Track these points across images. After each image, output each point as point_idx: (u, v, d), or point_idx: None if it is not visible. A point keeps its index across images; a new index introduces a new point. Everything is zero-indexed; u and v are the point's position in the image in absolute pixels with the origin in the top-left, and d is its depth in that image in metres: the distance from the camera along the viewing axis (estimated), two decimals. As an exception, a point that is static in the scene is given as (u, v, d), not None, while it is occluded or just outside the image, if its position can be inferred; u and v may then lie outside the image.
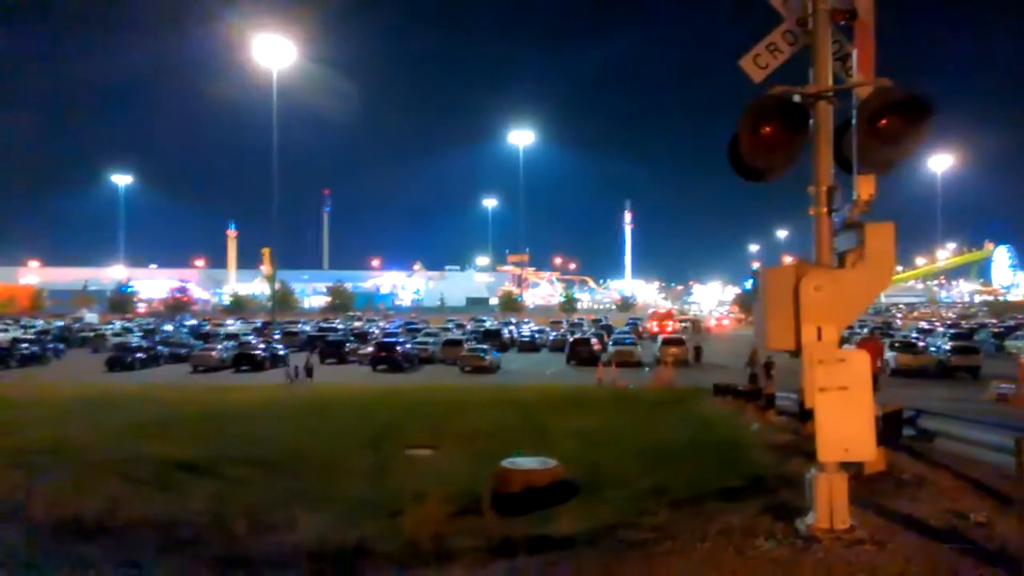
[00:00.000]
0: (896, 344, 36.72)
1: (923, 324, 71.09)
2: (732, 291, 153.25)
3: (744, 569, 5.25)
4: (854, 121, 6.07)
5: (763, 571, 5.21)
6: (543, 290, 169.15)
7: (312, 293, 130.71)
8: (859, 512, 6.14)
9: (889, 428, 9.71)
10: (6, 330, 56.08)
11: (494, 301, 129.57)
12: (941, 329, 57.90)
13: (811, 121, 6.24)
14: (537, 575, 5.74)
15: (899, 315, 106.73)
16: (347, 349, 43.95)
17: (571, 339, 47.42)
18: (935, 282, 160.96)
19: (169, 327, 68.87)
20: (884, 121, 5.81)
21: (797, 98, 6.23)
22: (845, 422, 5.75)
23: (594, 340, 45.44)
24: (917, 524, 6.24)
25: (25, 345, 43.82)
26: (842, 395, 5.72)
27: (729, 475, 9.47)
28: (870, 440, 5.87)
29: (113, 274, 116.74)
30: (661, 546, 5.97)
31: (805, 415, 9.48)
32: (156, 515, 8.77)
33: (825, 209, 6.23)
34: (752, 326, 8.38)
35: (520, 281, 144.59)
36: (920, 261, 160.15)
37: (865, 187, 6.06)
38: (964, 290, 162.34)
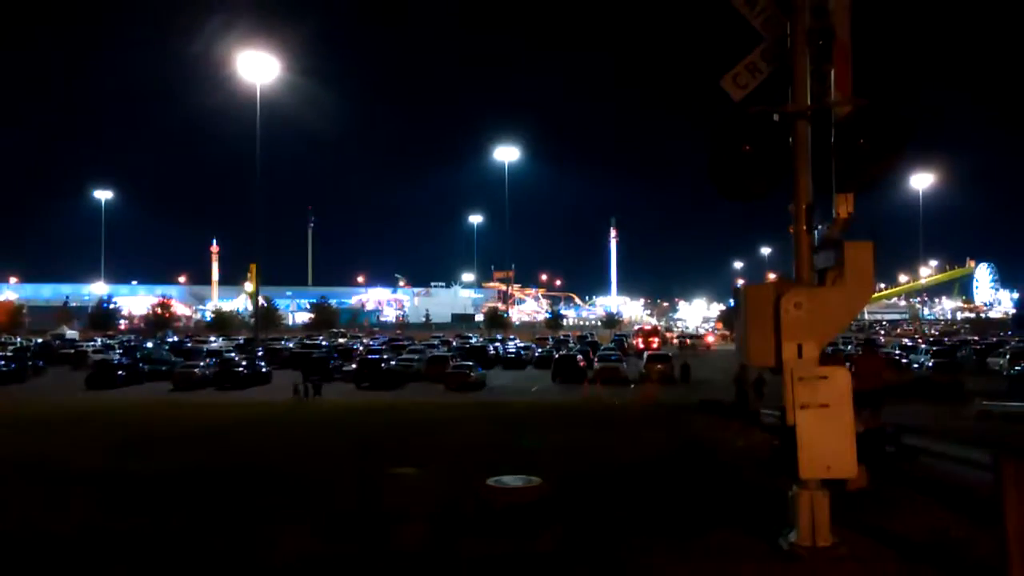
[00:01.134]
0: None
1: (906, 341, 71.61)
2: (717, 308, 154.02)
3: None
4: (833, 140, 6.14)
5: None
6: (529, 307, 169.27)
7: (296, 310, 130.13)
8: (841, 529, 6.14)
9: (871, 445, 9.74)
10: (-16, 347, 55.35)
11: (479, 318, 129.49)
12: (924, 346, 58.35)
13: (790, 140, 6.30)
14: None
15: (882, 332, 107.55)
16: (331, 366, 43.71)
17: (557, 356, 47.41)
18: (918, 299, 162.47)
19: (150, 344, 68.24)
20: (862, 140, 5.87)
21: (776, 117, 6.29)
22: (826, 439, 5.76)
23: (580, 357, 45.47)
24: (898, 541, 6.25)
25: (3, 362, 43.23)
26: (823, 412, 5.74)
27: (713, 492, 9.45)
28: (852, 457, 5.89)
29: (94, 290, 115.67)
30: (642, 564, 5.94)
31: (786, 433, 9.50)
32: (132, 531, 8.64)
33: (804, 227, 6.28)
34: (733, 343, 8.41)
35: (506, 297, 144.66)
36: (903, 278, 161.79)
37: (844, 205, 6.12)
38: (947, 307, 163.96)
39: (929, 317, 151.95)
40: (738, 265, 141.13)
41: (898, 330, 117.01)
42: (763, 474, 10.55)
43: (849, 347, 55.25)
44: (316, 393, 31.51)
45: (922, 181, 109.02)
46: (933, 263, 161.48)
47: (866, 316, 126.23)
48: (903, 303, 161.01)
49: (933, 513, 7.29)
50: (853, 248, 6.02)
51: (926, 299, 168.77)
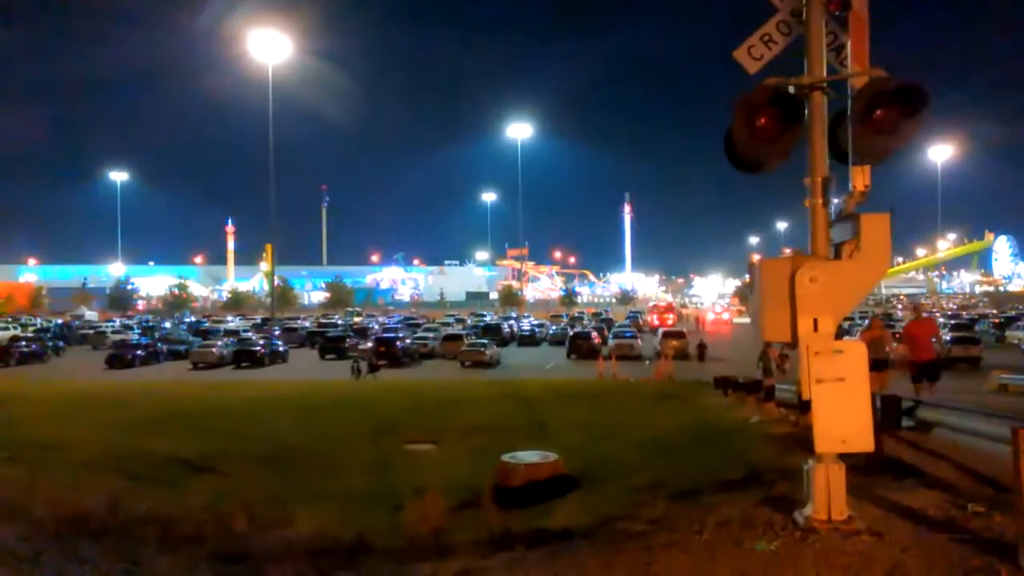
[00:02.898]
0: (896, 335, 36.71)
1: (924, 315, 71.05)
2: (733, 283, 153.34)
3: (743, 560, 5.27)
4: (849, 112, 6.06)
5: (762, 562, 5.23)
6: (543, 284, 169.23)
7: (312, 289, 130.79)
8: (857, 503, 6.15)
9: (887, 419, 9.72)
10: (5, 328, 56.10)
11: (494, 296, 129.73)
12: (942, 320, 57.94)
13: (806, 112, 6.23)
14: (537, 568, 5.75)
15: (900, 306, 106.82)
16: (347, 345, 43.99)
17: (571, 333, 47.45)
18: (936, 272, 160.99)
19: (168, 324, 68.90)
20: (879, 111, 5.80)
21: (792, 89, 6.22)
22: (843, 413, 5.75)
23: (594, 334, 45.49)
24: (915, 514, 6.25)
25: (24, 343, 43.83)
26: (839, 386, 5.73)
27: (728, 467, 9.48)
28: (868, 431, 5.87)
29: (112, 271, 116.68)
30: (659, 538, 5.98)
31: (804, 407, 9.47)
32: (156, 511, 8.79)
33: (820, 200, 6.22)
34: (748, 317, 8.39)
35: (520, 275, 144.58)
36: (921, 251, 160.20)
37: (860, 178, 6.05)
38: (965, 280, 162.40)
39: (947, 291, 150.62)
40: (753, 240, 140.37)
41: (877, 319, 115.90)
42: (778, 449, 10.58)
43: (866, 322, 54.94)
44: (372, 372, 31.73)
45: (940, 153, 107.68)
46: (951, 236, 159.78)
47: (883, 290, 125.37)
48: (920, 277, 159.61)
49: (950, 486, 7.27)
50: (870, 220, 5.96)
51: (944, 272, 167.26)
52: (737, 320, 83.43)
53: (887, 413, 9.80)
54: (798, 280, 5.85)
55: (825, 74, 6.28)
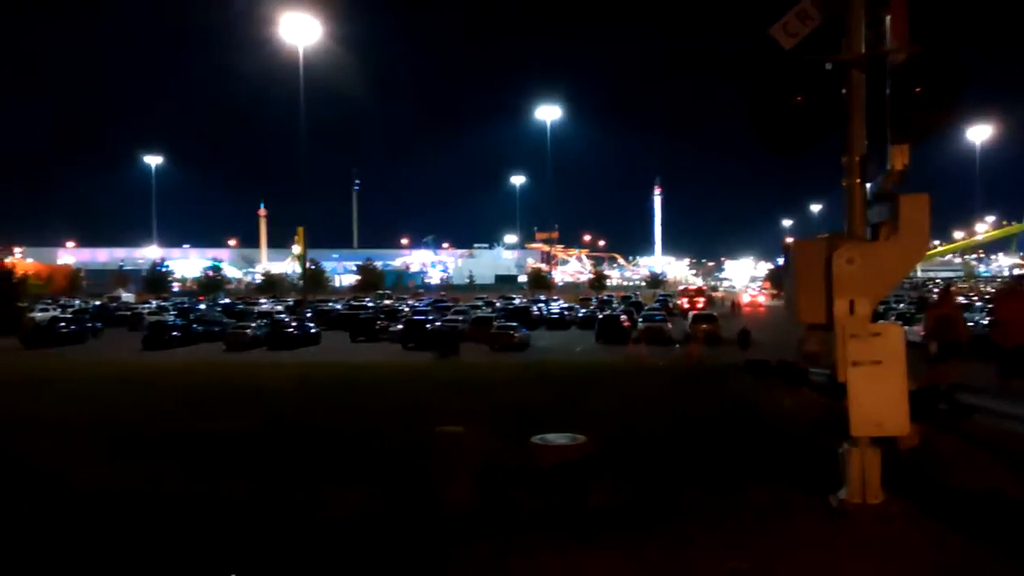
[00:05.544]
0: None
1: (960, 299, 69.73)
2: (765, 267, 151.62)
3: (777, 543, 5.24)
4: (888, 89, 5.93)
5: (796, 545, 5.19)
6: (572, 267, 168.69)
7: (343, 272, 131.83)
8: (892, 487, 6.08)
9: (924, 403, 9.57)
10: (45, 309, 57.30)
11: (523, 279, 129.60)
12: (979, 304, 56.78)
13: (843, 90, 6.10)
14: (568, 550, 5.77)
15: (936, 290, 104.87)
16: (377, 327, 44.31)
17: (600, 316, 47.32)
18: (973, 256, 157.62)
19: (203, 306, 69.93)
20: (919, 88, 5.67)
21: (828, 66, 6.10)
22: (878, 397, 5.68)
23: (623, 317, 45.33)
24: (951, 499, 6.16)
25: (64, 324, 44.80)
26: (875, 370, 5.65)
27: (760, 450, 9.41)
28: (904, 415, 5.80)
29: (148, 254, 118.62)
30: (691, 521, 5.96)
31: (838, 390, 9.34)
32: (192, 490, 8.95)
33: (858, 180, 6.11)
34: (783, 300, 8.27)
35: (549, 258, 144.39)
36: (958, 234, 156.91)
37: (899, 157, 5.93)
38: (1003, 264, 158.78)
39: (985, 274, 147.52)
40: (786, 223, 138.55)
41: (953, 288, 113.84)
42: (811, 432, 10.47)
43: (902, 305, 54.11)
44: (453, 353, 32.82)
45: (979, 133, 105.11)
46: (990, 218, 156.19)
47: (919, 273, 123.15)
48: (958, 260, 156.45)
49: (987, 471, 7.16)
50: (908, 201, 5.85)
51: (982, 256, 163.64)
52: (770, 304, 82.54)
53: (923, 397, 9.65)
54: (835, 262, 5.76)
55: (863, 51, 6.14)
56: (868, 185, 6.20)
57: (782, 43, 6.33)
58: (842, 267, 5.76)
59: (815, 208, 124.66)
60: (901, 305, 54.57)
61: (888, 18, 6.20)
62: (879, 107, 6.09)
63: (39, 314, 49.47)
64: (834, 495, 5.95)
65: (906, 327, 9.59)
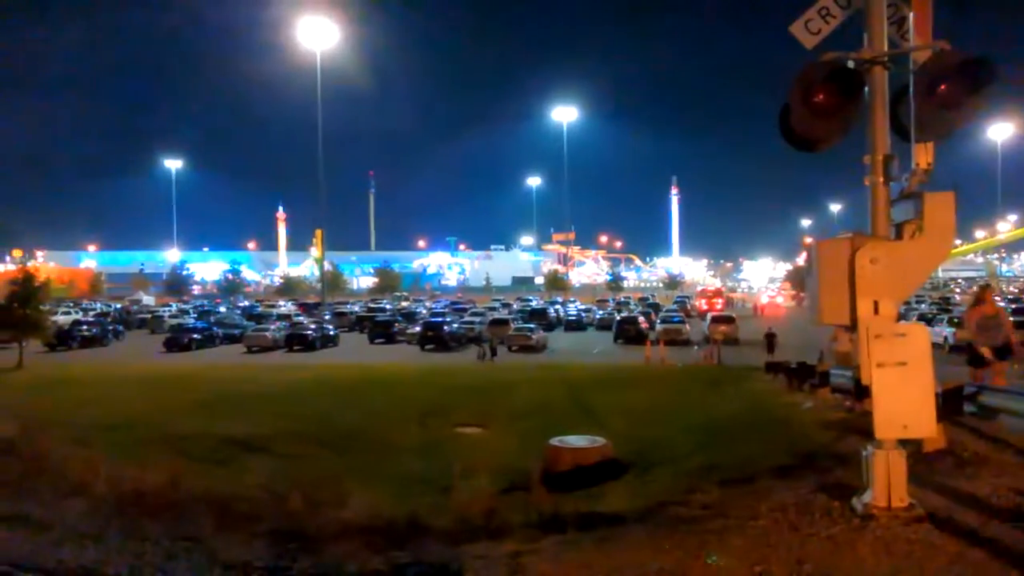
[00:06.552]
0: (955, 320, 35.82)
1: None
2: (784, 267, 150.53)
3: (800, 547, 5.18)
4: (911, 87, 5.85)
5: (820, 549, 5.13)
6: (589, 269, 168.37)
7: (360, 274, 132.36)
8: (918, 490, 6.00)
9: (949, 404, 9.44)
10: (68, 313, 57.94)
11: (539, 280, 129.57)
12: (1002, 304, 56.16)
13: (866, 88, 6.04)
14: (588, 551, 5.74)
15: (957, 290, 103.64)
16: (395, 329, 44.45)
17: (618, 317, 47.19)
18: (995, 255, 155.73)
19: (223, 308, 70.43)
20: (943, 86, 5.59)
21: (851, 64, 6.03)
22: (904, 398, 5.60)
23: (641, 318, 45.24)
24: (978, 502, 6.07)
25: (86, 327, 45.28)
26: (900, 371, 5.57)
27: (781, 453, 9.34)
28: (930, 417, 5.71)
29: (168, 257, 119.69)
30: (713, 523, 5.92)
31: (861, 392, 9.25)
32: (214, 490, 9.01)
33: (881, 179, 6.03)
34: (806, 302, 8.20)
35: (565, 260, 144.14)
36: (979, 233, 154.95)
37: (923, 155, 5.85)
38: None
39: (1007, 274, 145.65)
40: (805, 223, 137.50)
41: (974, 288, 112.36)
42: (833, 434, 10.37)
43: (923, 305, 53.57)
44: (493, 356, 33.06)
45: (1001, 131, 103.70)
46: (1012, 217, 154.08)
47: (940, 274, 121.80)
48: (979, 259, 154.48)
49: (1014, 474, 7.04)
50: (933, 199, 5.76)
51: (1004, 255, 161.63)
52: (789, 305, 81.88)
53: (949, 398, 9.52)
54: (858, 261, 5.69)
55: (886, 48, 6.07)
56: (892, 183, 6.13)
57: (803, 41, 6.26)
58: (866, 267, 5.69)
59: (834, 207, 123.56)
60: (922, 306, 53.99)
61: (911, 15, 6.13)
62: (903, 105, 6.02)
63: (61, 317, 50.00)
64: (858, 498, 5.87)
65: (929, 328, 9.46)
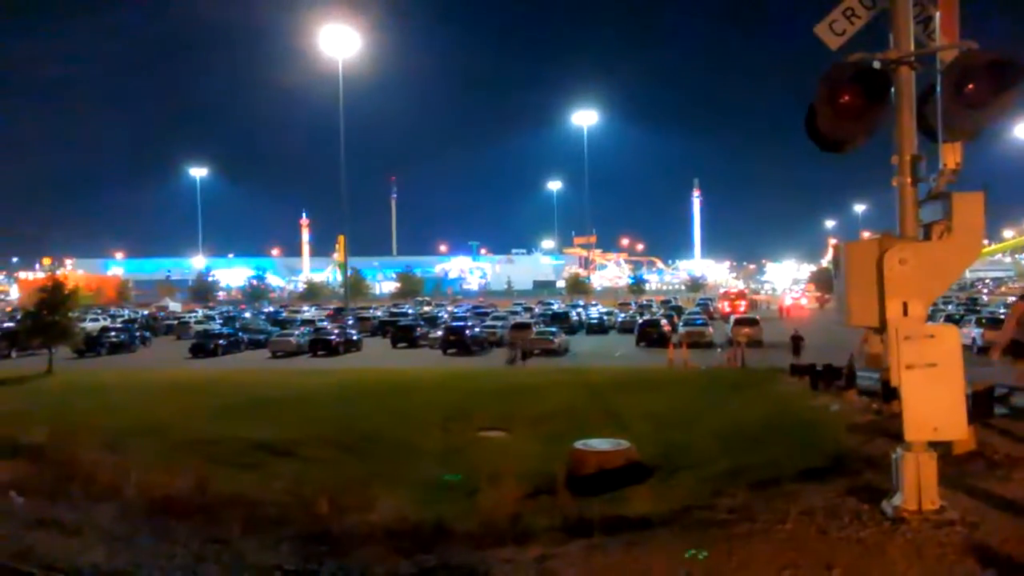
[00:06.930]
0: (983, 320, 35.33)
1: (1011, 299, 67.78)
2: (807, 269, 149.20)
3: (829, 551, 5.14)
4: (938, 87, 5.80)
5: (849, 553, 5.09)
6: (610, 272, 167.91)
7: (382, 279, 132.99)
8: (949, 493, 5.93)
9: (980, 406, 9.32)
10: (96, 319, 58.77)
11: (561, 284, 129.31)
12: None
13: (892, 88, 5.99)
14: (615, 555, 5.73)
15: (985, 290, 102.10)
16: (418, 333, 44.59)
17: (640, 321, 47.01)
18: (1022, 255, 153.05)
19: (248, 314, 71.09)
20: (971, 86, 5.54)
21: (877, 64, 5.99)
22: (934, 400, 5.54)
23: (664, 321, 44.99)
24: (1010, 505, 5.98)
25: (113, 333, 45.92)
26: (931, 372, 5.52)
27: (808, 456, 9.26)
28: (961, 418, 5.65)
29: (194, 264, 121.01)
30: (741, 527, 5.88)
31: (889, 394, 9.16)
32: (241, 494, 9.11)
33: (909, 179, 5.98)
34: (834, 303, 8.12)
35: (587, 263, 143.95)
36: (1008, 233, 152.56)
37: (951, 155, 5.80)
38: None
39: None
40: (829, 224, 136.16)
41: (1002, 288, 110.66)
42: (861, 437, 10.26)
43: (950, 307, 52.82)
44: (524, 359, 33.14)
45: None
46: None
47: (967, 274, 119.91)
48: (1008, 259, 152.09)
49: (1048, 477, 6.94)
50: (962, 199, 5.71)
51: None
52: (813, 307, 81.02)
53: (979, 400, 9.40)
54: (887, 262, 5.65)
55: (912, 47, 6.02)
56: (920, 183, 6.08)
57: (828, 42, 6.23)
58: (894, 268, 5.64)
59: (859, 208, 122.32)
60: (949, 307, 53.20)
61: (937, 14, 6.09)
62: (930, 105, 5.97)
63: (89, 324, 50.73)
64: (888, 501, 5.81)
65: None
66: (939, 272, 5.82)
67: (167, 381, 25.99)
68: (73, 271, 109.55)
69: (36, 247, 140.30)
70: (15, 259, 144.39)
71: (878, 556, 5.01)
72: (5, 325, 48.41)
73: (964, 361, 5.69)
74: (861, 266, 5.79)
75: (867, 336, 16.21)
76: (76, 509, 8.51)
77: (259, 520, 7.98)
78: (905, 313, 5.65)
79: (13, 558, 6.31)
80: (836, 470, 8.07)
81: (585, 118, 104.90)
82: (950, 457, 7.21)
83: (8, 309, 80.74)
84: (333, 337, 41.63)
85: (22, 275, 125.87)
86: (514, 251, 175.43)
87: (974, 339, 31.03)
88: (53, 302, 31.94)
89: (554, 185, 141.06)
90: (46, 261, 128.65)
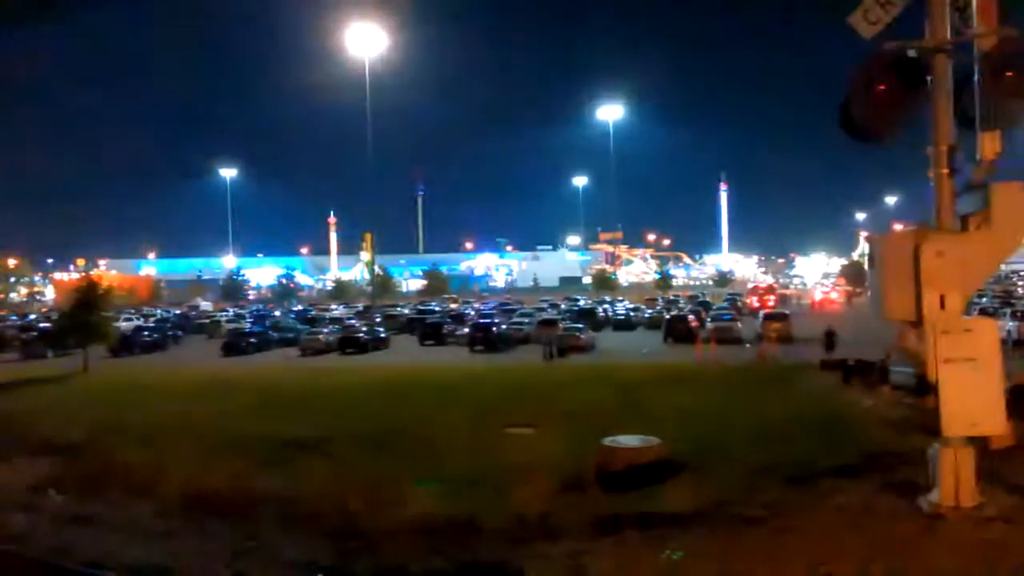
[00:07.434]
0: (1019, 313, 34.65)
1: (1049, 292, 66.31)
2: (838, 262, 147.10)
3: (867, 547, 5.07)
4: (976, 75, 5.69)
5: (887, 549, 5.02)
6: (637, 267, 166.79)
7: (409, 277, 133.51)
8: (987, 489, 5.82)
9: (1019, 400, 9.14)
10: (129, 319, 59.67)
11: (587, 280, 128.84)
12: (1070, 297, 53.97)
13: (928, 77, 5.89)
14: (647, 550, 5.71)
15: (1021, 283, 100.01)
16: (445, 331, 44.69)
17: (667, 316, 46.65)
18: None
19: (278, 313, 71.71)
20: (1010, 73, 5.43)
21: (912, 53, 5.88)
22: (972, 395, 5.45)
23: (691, 317, 44.59)
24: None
25: (146, 333, 46.59)
26: (969, 367, 5.42)
27: (842, 452, 9.15)
28: (999, 413, 5.56)
29: (224, 264, 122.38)
30: (777, 523, 5.83)
31: (923, 389, 8.98)
32: (274, 491, 9.20)
33: (946, 170, 5.88)
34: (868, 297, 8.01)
35: (613, 259, 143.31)
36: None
37: (990, 145, 5.69)
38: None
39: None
40: (860, 216, 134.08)
41: None
42: (895, 433, 10.12)
43: (984, 299, 51.80)
44: (560, 355, 33.09)
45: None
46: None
47: (1003, 266, 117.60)
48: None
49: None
50: (1001, 190, 5.60)
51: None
52: (843, 300, 79.87)
53: (1018, 394, 9.22)
54: (923, 255, 5.56)
55: (949, 35, 5.91)
56: (957, 174, 5.96)
57: (862, 32, 6.12)
58: (931, 260, 5.55)
59: (890, 200, 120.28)
60: (984, 299, 52.11)
61: (974, 1, 5.96)
62: (967, 94, 5.85)
63: (123, 324, 51.50)
64: (925, 497, 5.73)
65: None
66: (978, 264, 5.72)
67: (200, 379, 26.32)
68: (106, 271, 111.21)
69: (70, 248, 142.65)
70: (50, 260, 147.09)
71: (916, 553, 4.94)
72: (41, 325, 49.30)
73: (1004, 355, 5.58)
74: (896, 259, 5.71)
75: (906, 330, 16.13)
76: (113, 506, 8.66)
77: (293, 517, 8.07)
78: (942, 306, 5.56)
79: (52, 554, 6.45)
80: (870, 466, 7.97)
81: (611, 112, 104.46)
82: (987, 452, 7.09)
83: (44, 310, 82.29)
84: (362, 335, 41.86)
85: (57, 276, 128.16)
86: (540, 248, 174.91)
87: (1009, 332, 30.41)
88: (88, 302, 32.48)
89: (580, 181, 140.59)
90: (80, 262, 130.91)
